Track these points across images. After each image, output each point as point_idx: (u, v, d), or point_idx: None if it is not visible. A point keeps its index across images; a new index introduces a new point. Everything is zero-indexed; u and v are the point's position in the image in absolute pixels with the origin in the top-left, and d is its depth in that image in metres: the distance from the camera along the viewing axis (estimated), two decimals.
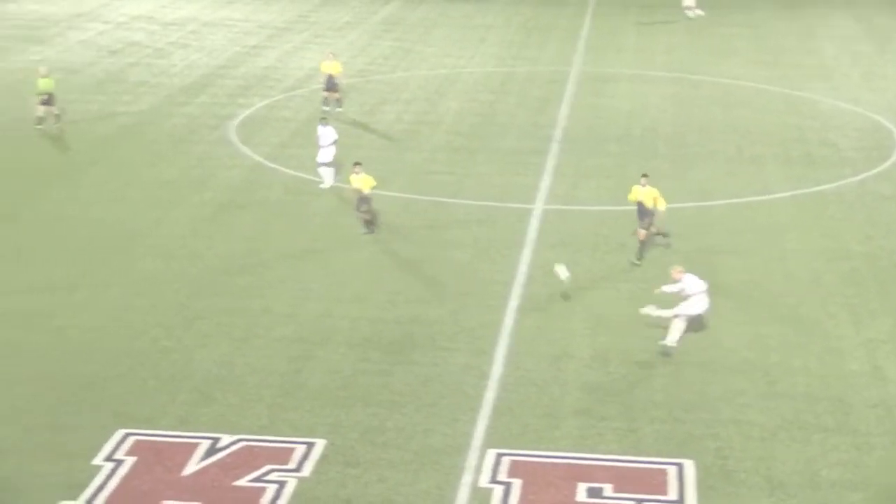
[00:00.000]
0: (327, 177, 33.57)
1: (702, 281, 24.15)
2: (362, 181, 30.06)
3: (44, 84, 38.34)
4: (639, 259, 28.46)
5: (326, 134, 33.47)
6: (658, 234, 29.21)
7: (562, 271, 26.27)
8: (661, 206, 28.67)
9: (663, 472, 20.00)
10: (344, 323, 25.44)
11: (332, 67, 41.04)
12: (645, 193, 28.58)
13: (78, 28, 55.10)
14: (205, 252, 29.28)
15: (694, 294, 23.98)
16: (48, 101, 38.23)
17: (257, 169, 35.59)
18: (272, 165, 35.80)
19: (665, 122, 40.72)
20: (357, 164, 30.29)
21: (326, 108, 40.54)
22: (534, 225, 31.13)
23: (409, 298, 26.69)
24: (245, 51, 50.95)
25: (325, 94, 41.31)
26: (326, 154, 33.47)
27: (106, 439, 20.67)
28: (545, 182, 34.50)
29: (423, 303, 26.44)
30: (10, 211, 31.85)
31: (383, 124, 40.42)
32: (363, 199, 30.15)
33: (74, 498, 19.04)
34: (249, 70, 47.37)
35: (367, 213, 30.33)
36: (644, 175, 28.99)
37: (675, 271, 24.25)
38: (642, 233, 28.51)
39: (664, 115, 41.44)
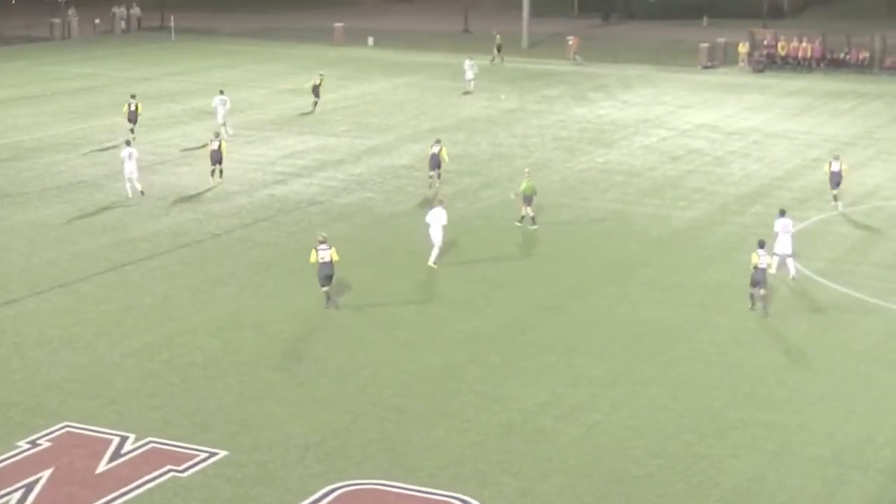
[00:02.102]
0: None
1: None
2: None
3: (525, 186, 39.76)
4: None
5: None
6: None
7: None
8: None
9: None
10: (887, 451, 24.09)
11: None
12: None
13: (643, 133, 56.89)
14: (745, 360, 28.91)
15: None
16: (530, 200, 39.69)
17: (806, 282, 34.78)
18: (821, 280, 34.86)
19: None
20: None
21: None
22: None
23: None
24: (806, 163, 50.25)
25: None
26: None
27: None
28: None
29: None
30: (558, 303, 33.17)
31: None
32: None
33: None
34: (808, 183, 46.61)
35: None
36: None
37: None
38: None
39: None
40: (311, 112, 61.08)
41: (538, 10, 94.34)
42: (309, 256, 32.09)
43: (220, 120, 54.72)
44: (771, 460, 23.70)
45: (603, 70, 78.22)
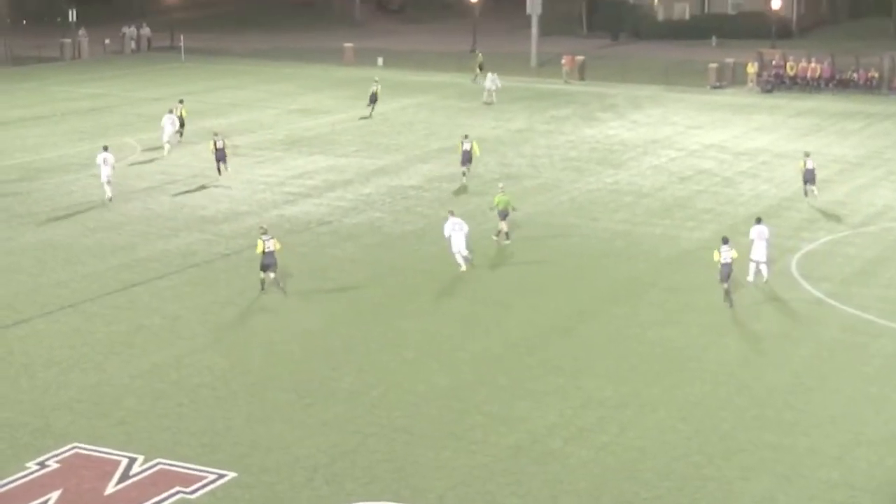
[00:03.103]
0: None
1: None
2: None
3: (499, 200, 40.57)
4: None
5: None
6: None
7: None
8: None
9: None
10: None
11: None
12: None
13: (652, 154, 56.90)
14: (752, 382, 28.84)
15: None
16: (505, 215, 40.47)
17: (816, 304, 34.73)
18: (831, 302, 34.80)
19: None
20: None
21: None
22: None
23: None
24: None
25: None
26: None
27: None
28: None
29: None
30: (567, 324, 33.17)
31: None
32: None
33: None
34: (817, 203, 46.56)
35: None
36: None
37: None
38: None
39: None
40: (370, 116, 66.16)
41: (547, 30, 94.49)
42: (256, 247, 35.30)
43: (165, 138, 55.62)
44: (780, 483, 23.64)
45: (612, 90, 78.32)
